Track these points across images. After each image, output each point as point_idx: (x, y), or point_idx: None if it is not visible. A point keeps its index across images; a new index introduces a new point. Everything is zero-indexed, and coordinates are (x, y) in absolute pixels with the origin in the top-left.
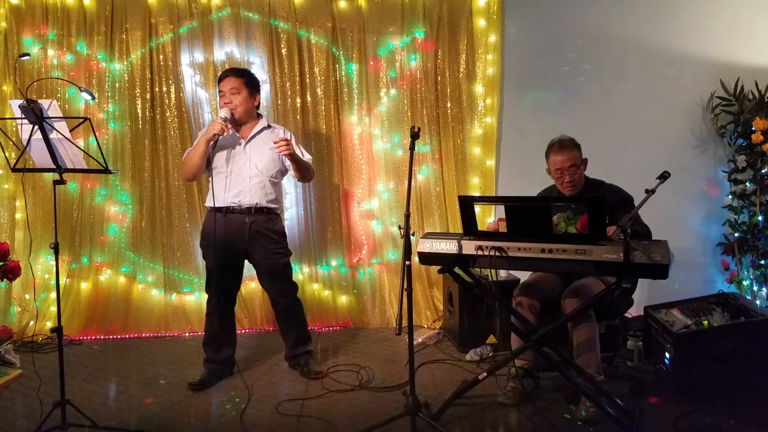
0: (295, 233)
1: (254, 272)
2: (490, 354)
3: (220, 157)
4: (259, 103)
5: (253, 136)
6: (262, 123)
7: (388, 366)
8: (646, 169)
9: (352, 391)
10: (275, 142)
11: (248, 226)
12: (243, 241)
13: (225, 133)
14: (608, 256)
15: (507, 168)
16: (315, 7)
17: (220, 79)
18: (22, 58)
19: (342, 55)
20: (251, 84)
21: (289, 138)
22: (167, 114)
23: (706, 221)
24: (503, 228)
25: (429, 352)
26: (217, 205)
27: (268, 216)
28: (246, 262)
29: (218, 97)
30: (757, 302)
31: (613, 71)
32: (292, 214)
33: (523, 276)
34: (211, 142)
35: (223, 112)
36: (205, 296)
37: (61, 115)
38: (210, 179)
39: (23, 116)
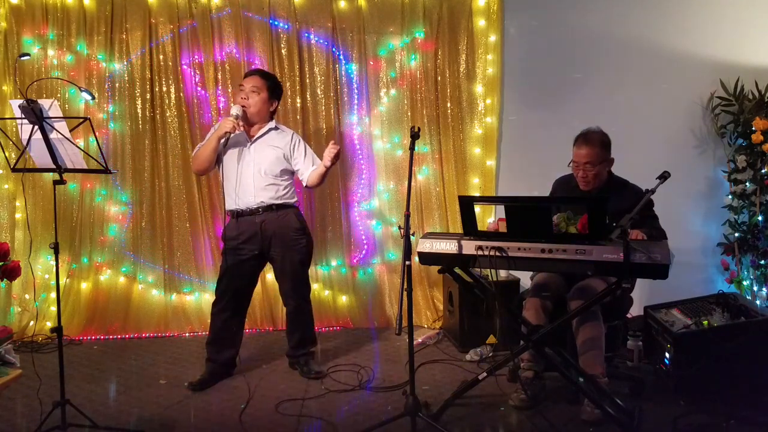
0: None
1: None
2: (490, 354)
3: (228, 158)
4: (275, 110)
5: (260, 136)
6: (270, 124)
7: (388, 366)
8: (646, 169)
9: (352, 391)
10: (330, 149)
11: (259, 226)
12: (257, 242)
13: (236, 131)
14: (608, 256)
15: (507, 168)
16: (315, 7)
17: (246, 75)
18: (22, 58)
19: (342, 55)
20: (273, 89)
21: (297, 143)
22: (167, 114)
23: (706, 221)
24: (503, 228)
25: (429, 352)
26: (230, 208)
27: (278, 212)
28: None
29: (230, 93)
30: (757, 302)
31: (613, 71)
32: None
33: (523, 276)
34: (223, 140)
35: (235, 109)
36: (206, 296)
37: (61, 115)
38: (221, 181)
39: (23, 116)
